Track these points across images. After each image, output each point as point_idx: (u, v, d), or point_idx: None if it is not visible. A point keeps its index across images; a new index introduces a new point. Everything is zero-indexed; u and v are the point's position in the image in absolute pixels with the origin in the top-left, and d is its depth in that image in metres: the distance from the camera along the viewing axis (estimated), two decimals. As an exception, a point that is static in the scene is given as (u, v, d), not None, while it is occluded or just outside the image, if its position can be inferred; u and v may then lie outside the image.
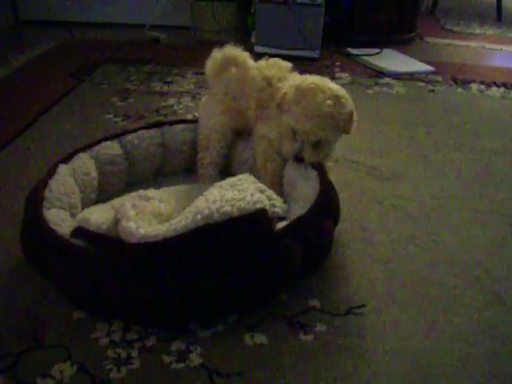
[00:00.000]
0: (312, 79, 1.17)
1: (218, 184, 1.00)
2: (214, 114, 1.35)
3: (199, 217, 0.88)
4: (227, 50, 1.32)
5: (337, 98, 1.13)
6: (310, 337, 0.94)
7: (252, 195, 0.94)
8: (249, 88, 1.32)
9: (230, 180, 1.01)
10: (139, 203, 0.95)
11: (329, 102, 1.12)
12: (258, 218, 0.92)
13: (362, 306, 1.02)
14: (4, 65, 2.34)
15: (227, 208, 0.89)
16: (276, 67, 1.31)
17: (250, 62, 1.33)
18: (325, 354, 0.91)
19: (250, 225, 0.91)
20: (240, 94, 1.34)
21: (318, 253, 1.06)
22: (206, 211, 0.88)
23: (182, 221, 0.89)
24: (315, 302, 1.02)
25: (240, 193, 0.93)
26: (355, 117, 1.16)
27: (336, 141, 1.18)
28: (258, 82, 1.30)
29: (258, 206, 0.92)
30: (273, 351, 0.91)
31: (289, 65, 1.32)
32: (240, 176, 1.03)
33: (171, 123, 1.42)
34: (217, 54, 1.32)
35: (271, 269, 0.95)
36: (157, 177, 1.41)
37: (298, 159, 1.16)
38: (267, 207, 0.95)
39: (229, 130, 1.35)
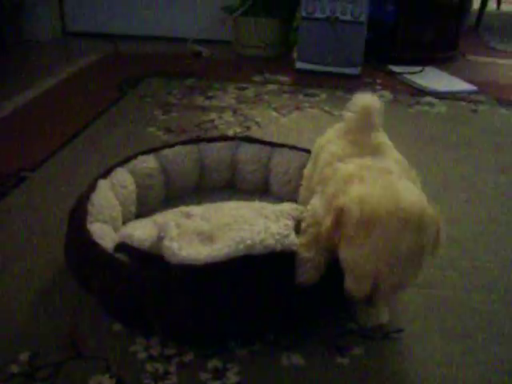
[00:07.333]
0: (378, 189, 0.84)
1: (264, 212, 0.99)
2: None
3: (241, 246, 0.89)
4: (364, 97, 1.06)
5: (419, 221, 0.82)
6: (347, 360, 0.94)
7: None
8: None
9: (277, 209, 1.00)
10: (182, 222, 0.96)
11: (408, 235, 0.81)
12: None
13: (400, 330, 1.01)
14: (51, 76, 2.40)
15: (270, 241, 0.89)
16: (349, 139, 1.03)
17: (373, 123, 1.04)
18: (360, 377, 0.91)
19: (289, 262, 0.91)
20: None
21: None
22: (249, 242, 0.89)
23: (225, 248, 0.89)
24: (353, 325, 1.01)
25: (286, 228, 0.93)
26: (442, 226, 0.87)
27: (422, 264, 0.87)
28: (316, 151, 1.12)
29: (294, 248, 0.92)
30: (309, 372, 0.91)
31: (377, 142, 1.02)
32: (287, 208, 1.01)
33: (209, 140, 1.42)
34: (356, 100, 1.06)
35: (308, 302, 0.95)
36: (197, 192, 1.41)
37: (369, 303, 0.89)
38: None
39: None
